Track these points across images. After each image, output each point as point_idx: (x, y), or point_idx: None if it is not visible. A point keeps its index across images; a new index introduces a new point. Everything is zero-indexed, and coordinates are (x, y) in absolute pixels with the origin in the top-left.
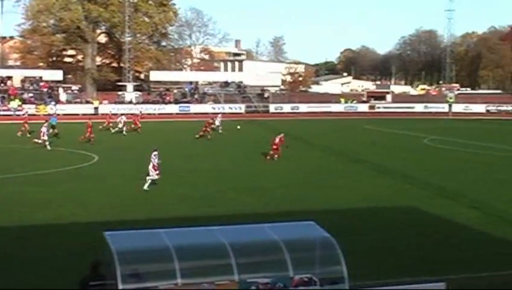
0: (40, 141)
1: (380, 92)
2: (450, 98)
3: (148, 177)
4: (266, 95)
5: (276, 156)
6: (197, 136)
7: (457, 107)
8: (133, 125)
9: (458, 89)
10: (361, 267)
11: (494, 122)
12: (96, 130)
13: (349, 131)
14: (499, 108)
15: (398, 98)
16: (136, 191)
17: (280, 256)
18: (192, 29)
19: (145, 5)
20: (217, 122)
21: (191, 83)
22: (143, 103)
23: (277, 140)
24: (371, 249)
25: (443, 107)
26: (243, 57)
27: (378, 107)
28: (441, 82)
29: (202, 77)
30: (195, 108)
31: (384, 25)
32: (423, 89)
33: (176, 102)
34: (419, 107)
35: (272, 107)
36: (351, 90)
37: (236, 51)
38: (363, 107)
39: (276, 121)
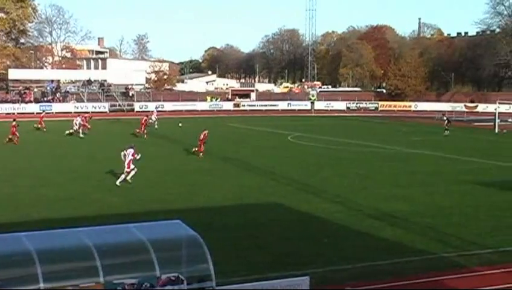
0: None
1: (245, 90)
2: (312, 96)
3: (128, 175)
4: (131, 93)
5: (197, 149)
6: (137, 131)
7: (320, 105)
8: (35, 125)
9: (320, 87)
10: (229, 264)
11: (354, 119)
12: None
13: (214, 129)
14: (358, 105)
15: (263, 96)
16: None
17: (146, 256)
18: (52, 27)
19: (1, 0)
20: (153, 118)
21: (52, 81)
22: (1, 102)
23: (201, 136)
24: (238, 246)
25: (306, 105)
26: (106, 55)
27: (243, 105)
28: (303, 80)
29: (64, 76)
30: (57, 107)
31: (248, 24)
32: (286, 87)
33: (37, 101)
34: (282, 105)
35: (137, 106)
36: (216, 88)
37: (99, 49)
38: (228, 105)
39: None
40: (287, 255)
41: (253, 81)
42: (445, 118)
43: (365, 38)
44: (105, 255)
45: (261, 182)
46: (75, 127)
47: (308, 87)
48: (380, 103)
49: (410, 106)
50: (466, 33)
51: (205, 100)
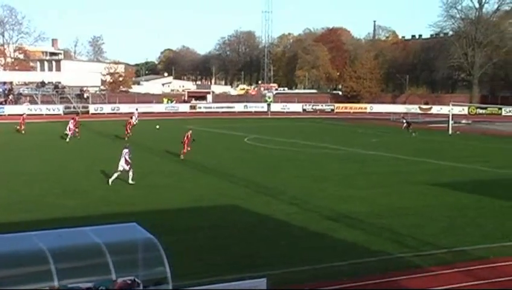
0: None
1: (201, 92)
2: (269, 98)
3: (130, 174)
4: (86, 95)
5: (183, 151)
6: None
7: (276, 107)
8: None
9: (276, 89)
10: (187, 267)
11: (310, 121)
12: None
13: (171, 131)
14: (314, 107)
15: (219, 98)
16: None
17: (102, 259)
18: (5, 27)
19: None
20: (134, 120)
21: (4, 83)
22: None
23: (185, 137)
24: (195, 248)
25: (262, 107)
26: (61, 56)
27: (199, 107)
28: (260, 82)
29: (17, 77)
30: (9, 109)
31: (204, 25)
32: (243, 89)
33: None
34: (239, 107)
35: (92, 108)
36: (172, 90)
37: (53, 50)
38: (184, 107)
39: (96, 122)
40: (245, 257)
41: (209, 83)
42: (404, 121)
43: (321, 41)
44: (59, 259)
45: (219, 184)
46: (68, 132)
47: (264, 89)
48: (336, 104)
49: (365, 108)
50: (420, 36)
51: (161, 102)
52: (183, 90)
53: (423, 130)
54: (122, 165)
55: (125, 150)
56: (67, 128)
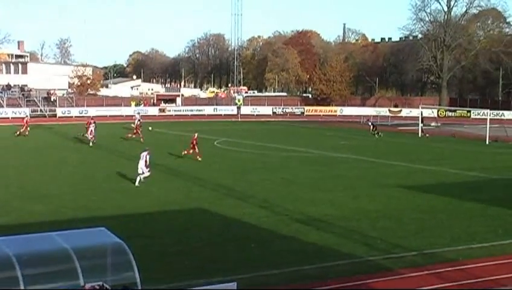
0: None
1: (170, 95)
2: (239, 101)
3: (142, 176)
4: (53, 98)
5: (186, 152)
6: (129, 135)
7: (246, 110)
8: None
9: (246, 92)
10: (156, 271)
11: (280, 124)
12: None
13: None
14: (284, 110)
15: (188, 101)
16: None
17: (70, 264)
18: None
19: None
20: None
21: None
22: None
23: (192, 139)
24: (164, 252)
25: (232, 110)
26: (27, 59)
27: (169, 110)
28: (229, 85)
29: None
30: None
31: (173, 28)
32: (212, 92)
33: None
34: (208, 110)
35: (59, 111)
36: (141, 93)
37: (19, 52)
38: (153, 110)
39: (64, 126)
40: (214, 261)
41: (178, 86)
42: (370, 123)
43: (291, 43)
44: (26, 265)
45: (187, 187)
46: (89, 135)
47: (234, 92)
48: (306, 107)
49: (335, 111)
50: (390, 38)
51: (130, 105)
52: (152, 93)
53: (393, 132)
54: (141, 167)
55: (145, 153)
56: (89, 132)
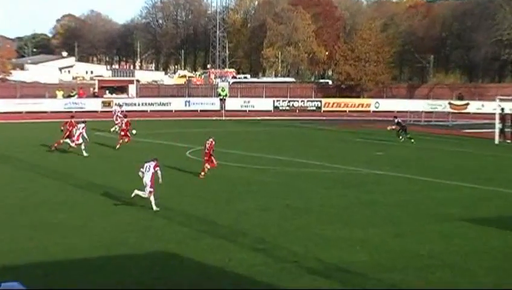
0: None
1: (119, 81)
2: (223, 90)
3: (140, 193)
4: None
5: (207, 166)
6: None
7: (234, 103)
8: None
9: (234, 77)
10: None
11: (286, 125)
12: None
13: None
14: (291, 103)
15: (147, 90)
16: None
17: None
18: None
19: None
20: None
21: None
22: None
23: (207, 146)
24: None
25: (213, 104)
26: None
27: (118, 105)
28: (208, 66)
29: None
30: None
31: None
32: (184, 77)
33: None
34: (178, 104)
35: None
36: (75, 78)
37: None
38: (94, 105)
39: None
40: None
41: (132, 67)
42: (396, 121)
43: (301, 3)
44: None
45: (145, 220)
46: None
47: (216, 77)
48: (324, 100)
49: (368, 105)
50: None
51: (56, 96)
52: (92, 79)
53: (455, 137)
54: (146, 182)
55: (152, 163)
56: (75, 137)
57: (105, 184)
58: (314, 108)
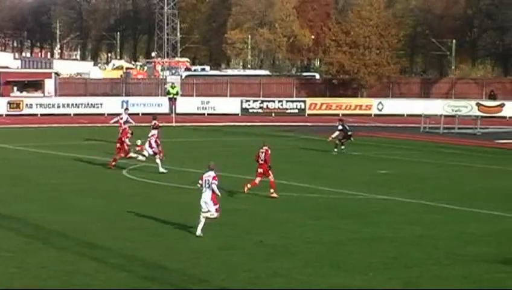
0: None
1: (32, 74)
2: (172, 87)
3: (210, 215)
4: None
5: (250, 185)
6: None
7: (188, 104)
8: None
9: (188, 68)
10: None
11: (256, 134)
12: None
13: None
14: (265, 104)
15: (70, 86)
16: None
17: None
18: None
19: None
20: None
21: None
22: None
23: (262, 156)
24: None
25: (159, 105)
26: None
27: (29, 106)
28: (153, 54)
29: None
30: None
31: None
32: (119, 68)
33: None
34: (111, 105)
35: None
36: None
37: None
38: None
39: None
40: None
41: (49, 55)
42: (339, 127)
43: None
44: None
45: (67, 263)
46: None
47: (163, 70)
48: (310, 100)
49: (369, 107)
50: None
51: None
52: None
53: (485, 149)
54: (207, 202)
55: (210, 174)
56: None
57: (16, 215)
58: (296, 111)
